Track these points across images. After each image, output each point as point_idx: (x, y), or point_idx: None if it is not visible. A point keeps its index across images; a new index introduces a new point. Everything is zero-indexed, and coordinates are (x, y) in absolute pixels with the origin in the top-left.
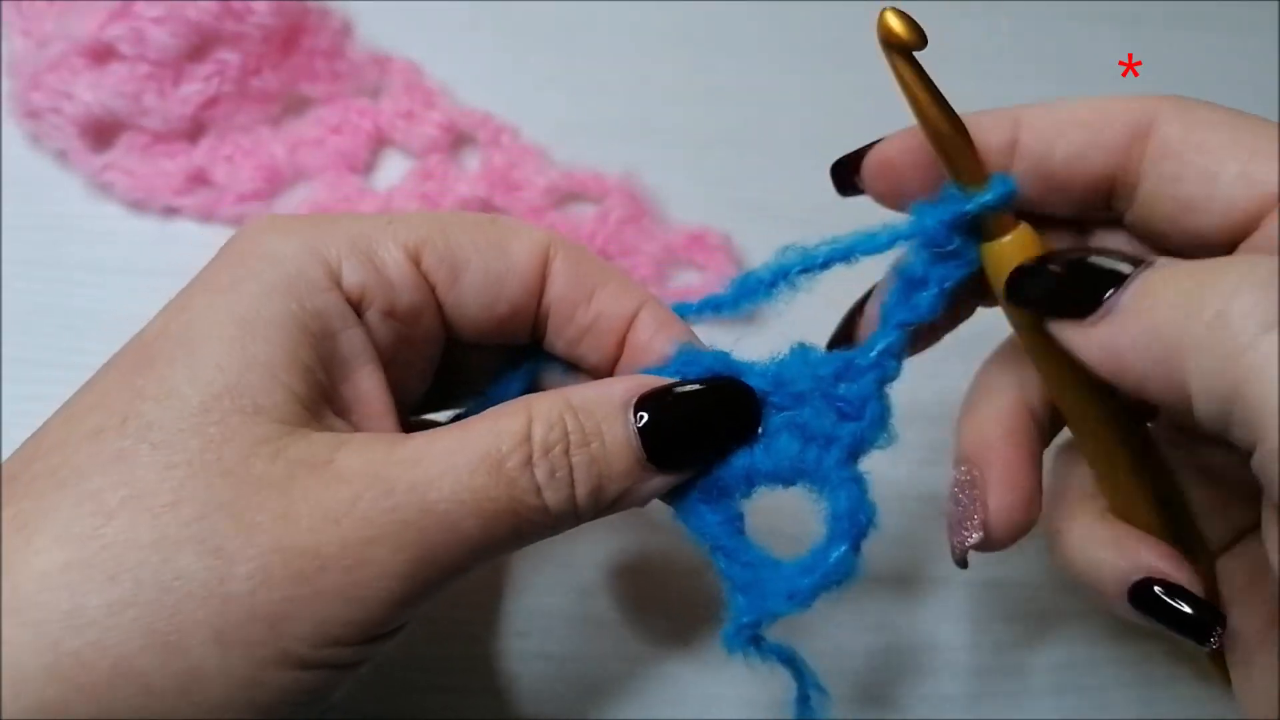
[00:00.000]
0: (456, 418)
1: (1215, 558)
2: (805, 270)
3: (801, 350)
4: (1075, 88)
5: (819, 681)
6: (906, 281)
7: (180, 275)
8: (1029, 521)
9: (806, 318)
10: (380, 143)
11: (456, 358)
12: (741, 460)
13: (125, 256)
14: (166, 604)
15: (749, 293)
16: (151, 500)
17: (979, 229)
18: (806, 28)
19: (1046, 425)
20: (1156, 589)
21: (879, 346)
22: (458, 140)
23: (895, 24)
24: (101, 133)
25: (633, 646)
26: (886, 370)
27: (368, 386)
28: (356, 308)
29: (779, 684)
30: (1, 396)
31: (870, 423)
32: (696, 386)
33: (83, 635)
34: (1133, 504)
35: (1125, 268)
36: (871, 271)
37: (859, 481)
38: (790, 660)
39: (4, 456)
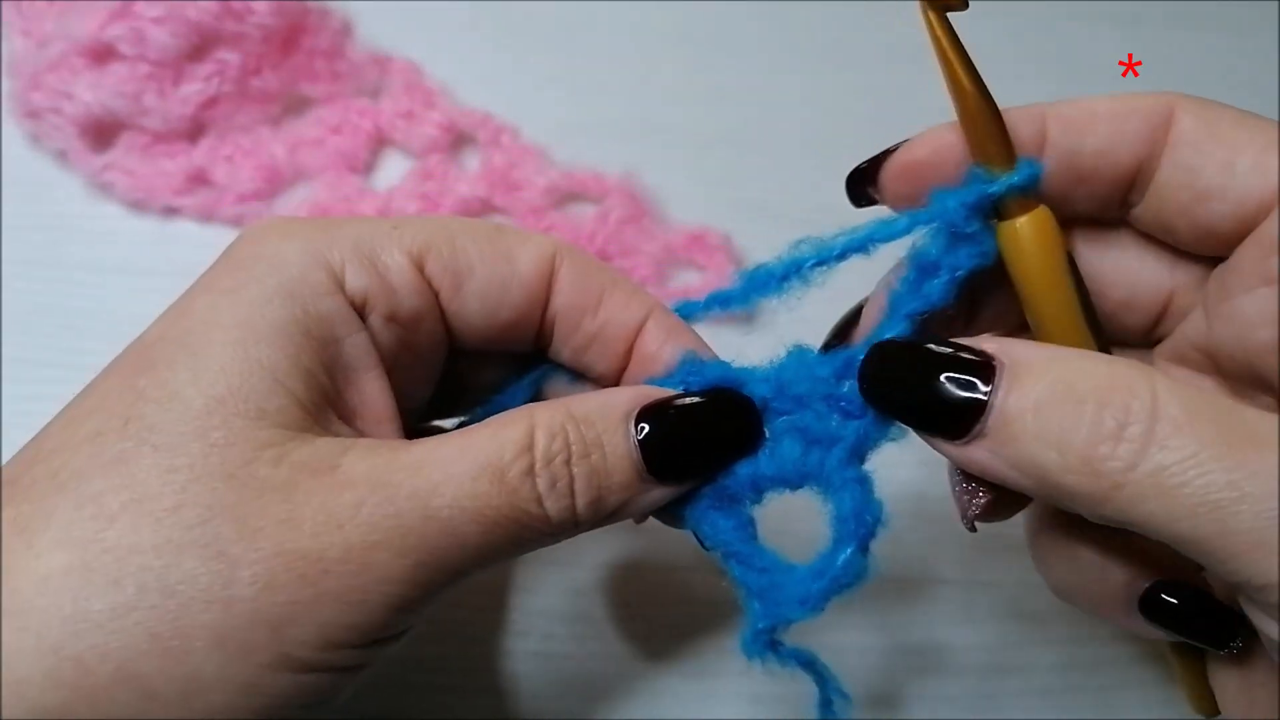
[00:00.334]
0: (461, 424)
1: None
2: (820, 263)
3: (799, 352)
4: (1075, 88)
5: (840, 686)
6: (919, 269)
7: (180, 275)
8: None
9: (814, 315)
10: (380, 143)
11: (461, 364)
12: (747, 467)
13: (125, 256)
14: (169, 608)
15: (759, 286)
16: (153, 504)
17: (998, 215)
18: (806, 28)
19: None
20: (1167, 594)
21: (886, 337)
22: (458, 140)
23: None
24: (101, 133)
25: (632, 646)
26: None
27: (370, 391)
28: (359, 312)
29: (779, 683)
30: (1, 396)
31: (873, 420)
32: (697, 400)
33: (84, 639)
34: None
35: (978, 385)
36: (871, 272)
37: (864, 481)
38: (810, 664)
39: (4, 457)
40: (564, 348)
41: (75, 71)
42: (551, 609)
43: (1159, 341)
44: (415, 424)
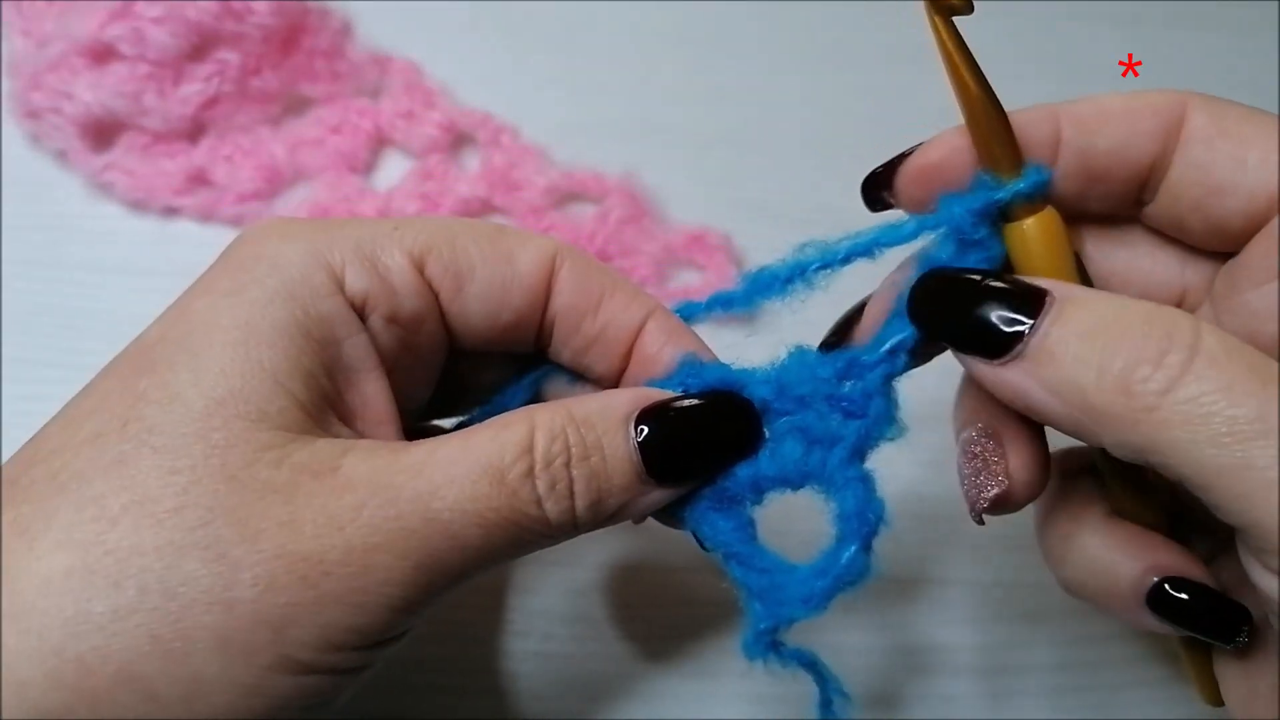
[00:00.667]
0: (460, 425)
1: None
2: (825, 266)
3: (800, 353)
4: (1075, 88)
5: (841, 686)
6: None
7: (180, 275)
8: (1045, 479)
9: (816, 317)
10: (380, 143)
11: (461, 365)
12: (747, 468)
13: (125, 256)
14: (171, 610)
15: (762, 289)
16: (154, 506)
17: (1006, 217)
18: (806, 28)
19: None
20: (1174, 590)
21: (892, 340)
22: (458, 140)
23: None
24: (101, 133)
25: (632, 647)
26: (896, 365)
27: (371, 393)
28: (360, 313)
29: (779, 684)
30: (1, 396)
31: (875, 419)
32: (696, 402)
33: (86, 641)
34: (1140, 502)
35: (1023, 319)
36: (873, 275)
37: (866, 480)
38: (812, 664)
39: (4, 457)
40: (564, 348)
41: (75, 71)
42: (551, 609)
43: None
44: (414, 423)
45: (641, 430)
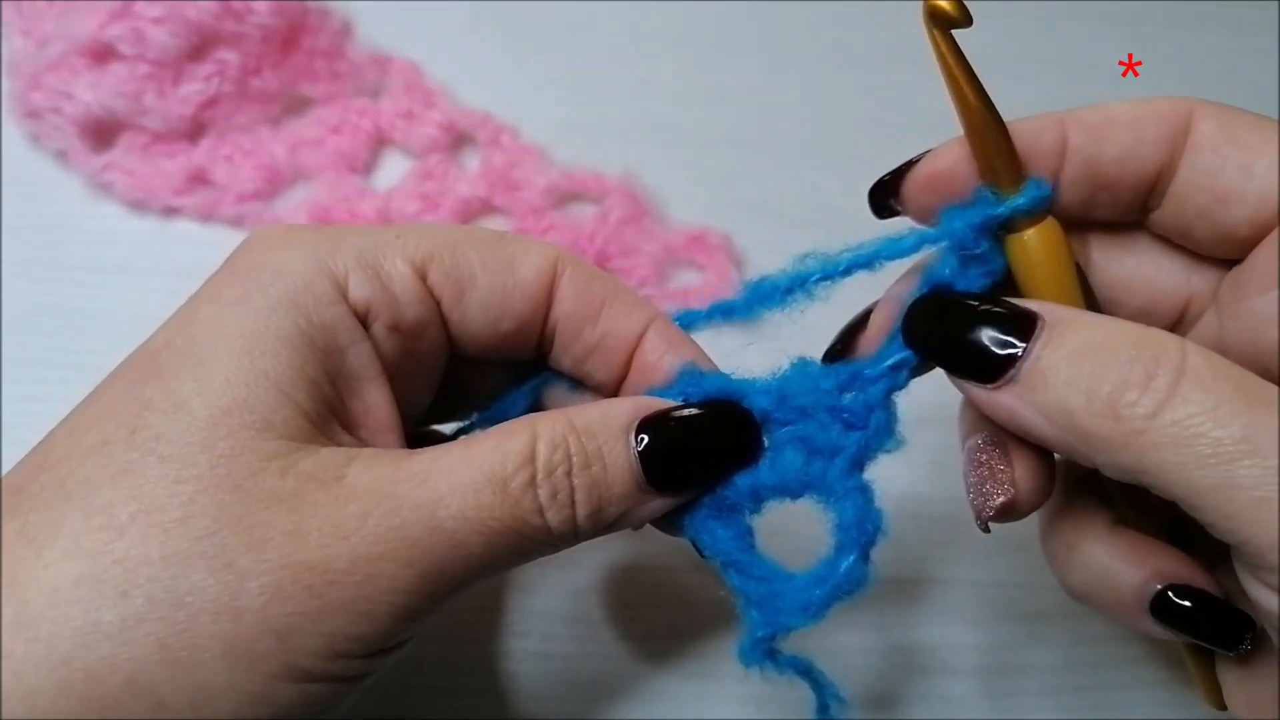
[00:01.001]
0: (460, 431)
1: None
2: (825, 278)
3: (802, 364)
4: (1075, 87)
5: (838, 692)
6: (931, 286)
7: (180, 275)
8: (1050, 487)
9: (815, 325)
10: (380, 143)
11: (461, 371)
12: (747, 478)
13: (125, 256)
14: (179, 619)
15: (763, 299)
16: (161, 515)
17: (1007, 228)
18: (806, 28)
19: None
20: (1178, 597)
21: (895, 357)
22: (458, 140)
23: None
24: (101, 133)
25: (632, 647)
26: (898, 380)
27: (374, 400)
28: (362, 321)
29: (778, 685)
30: (2, 396)
31: (875, 431)
32: (696, 411)
33: (95, 650)
34: (1142, 510)
35: (1016, 341)
36: (874, 285)
37: (865, 490)
38: (807, 671)
39: (3, 457)
40: (564, 356)
41: (75, 71)
42: (551, 609)
43: None
44: (414, 429)
45: (642, 439)
